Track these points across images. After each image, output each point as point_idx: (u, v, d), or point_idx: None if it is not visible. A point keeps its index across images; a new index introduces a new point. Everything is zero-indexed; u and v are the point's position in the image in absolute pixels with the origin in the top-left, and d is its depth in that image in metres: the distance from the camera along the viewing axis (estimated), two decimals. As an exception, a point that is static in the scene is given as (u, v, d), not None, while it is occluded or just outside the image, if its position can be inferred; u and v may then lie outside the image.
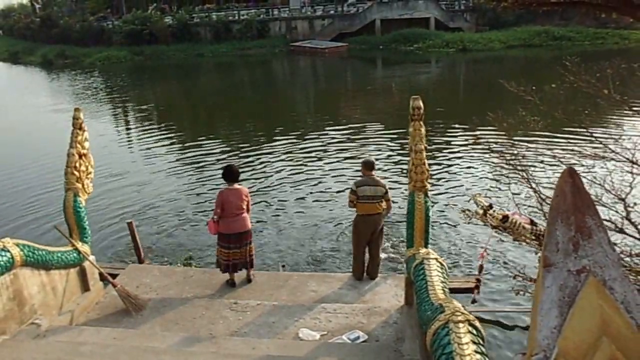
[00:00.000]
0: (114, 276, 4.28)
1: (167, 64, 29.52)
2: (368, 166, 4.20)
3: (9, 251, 3.21)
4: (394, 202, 7.48)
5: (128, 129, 14.85)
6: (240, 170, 4.52)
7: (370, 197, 4.15)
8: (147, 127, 14.44)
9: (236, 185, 4.19)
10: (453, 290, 3.71)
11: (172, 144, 12.29)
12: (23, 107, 18.58)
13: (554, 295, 1.28)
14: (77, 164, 3.97)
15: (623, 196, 3.18)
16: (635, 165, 3.21)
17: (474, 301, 4.15)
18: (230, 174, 4.18)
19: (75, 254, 3.87)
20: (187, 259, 5.73)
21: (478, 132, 9.58)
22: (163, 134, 13.27)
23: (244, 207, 4.16)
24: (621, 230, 3.04)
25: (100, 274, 4.07)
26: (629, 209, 3.14)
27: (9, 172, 10.18)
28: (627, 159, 3.25)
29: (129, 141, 12.99)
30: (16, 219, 7.58)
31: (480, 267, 4.32)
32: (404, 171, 8.47)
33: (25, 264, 3.35)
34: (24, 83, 26.82)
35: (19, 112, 17.47)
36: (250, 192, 4.34)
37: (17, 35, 42.96)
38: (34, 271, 3.47)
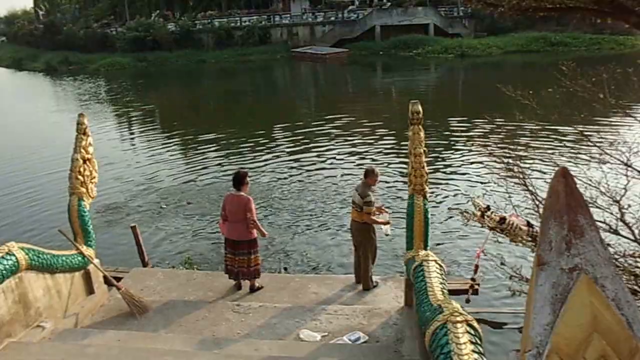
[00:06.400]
0: (118, 279, 4.33)
1: (170, 70, 29.74)
2: (364, 174, 4.30)
3: (14, 255, 3.25)
4: (394, 203, 7.57)
5: (131, 133, 14.95)
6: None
7: (352, 202, 4.31)
8: (149, 132, 14.54)
9: (238, 192, 4.10)
10: (452, 292, 3.74)
11: (174, 148, 12.37)
12: (27, 112, 18.72)
13: (547, 292, 1.32)
14: (82, 169, 4.02)
15: (618, 198, 3.23)
16: (629, 168, 3.26)
17: (467, 301, 4.19)
18: (233, 179, 4.18)
19: (79, 258, 3.92)
20: (187, 260, 5.77)
21: (476, 136, 9.64)
22: (165, 139, 13.35)
23: (240, 216, 4.03)
24: (616, 232, 3.08)
25: (105, 277, 4.11)
26: (624, 210, 3.18)
27: (14, 176, 10.26)
28: (622, 162, 3.31)
29: (132, 145, 13.08)
30: (21, 223, 7.64)
31: (476, 267, 4.37)
32: (401, 174, 8.54)
33: (30, 268, 3.39)
34: (29, 89, 27.02)
35: (23, 117, 17.60)
36: (251, 195, 4.29)
37: (21, 42, 43.23)
38: (39, 275, 3.51)
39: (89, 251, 4.03)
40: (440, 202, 7.64)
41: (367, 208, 4.11)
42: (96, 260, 4.10)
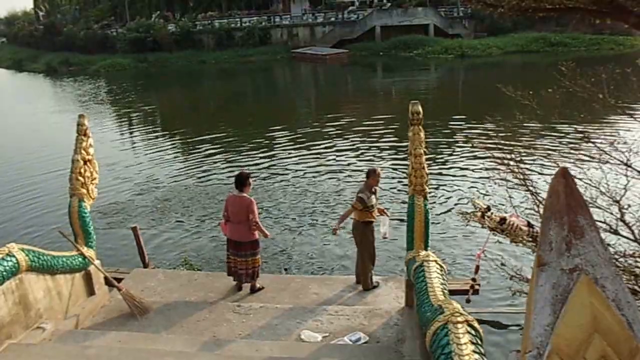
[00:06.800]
0: (119, 280, 4.32)
1: (171, 70, 29.78)
2: (365, 174, 4.33)
3: (14, 256, 3.25)
4: (394, 204, 7.57)
5: (132, 134, 14.97)
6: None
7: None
8: (150, 133, 14.56)
9: (241, 193, 4.10)
10: (452, 292, 3.75)
11: (175, 148, 12.39)
12: (27, 113, 18.74)
13: (547, 293, 1.32)
14: (82, 170, 4.01)
15: (618, 198, 3.24)
16: (629, 168, 3.27)
17: (468, 301, 4.20)
18: (236, 181, 4.19)
19: (80, 259, 3.92)
20: (185, 261, 5.77)
21: (476, 136, 9.66)
22: (166, 140, 13.37)
23: (243, 217, 4.03)
24: (616, 232, 3.09)
25: (106, 278, 4.11)
26: (623, 210, 3.19)
27: (13, 176, 10.27)
28: (622, 161, 3.32)
29: (132, 146, 13.09)
30: (22, 224, 7.65)
31: (477, 268, 4.38)
32: (399, 174, 8.55)
33: (30, 269, 3.39)
34: (29, 90, 27.04)
35: (23, 118, 17.62)
36: (252, 196, 4.29)
37: (21, 43, 43.30)
38: (39, 276, 3.51)
39: (89, 252, 4.03)
40: (441, 203, 7.64)
41: (354, 202, 4.13)
42: (97, 261, 4.10)
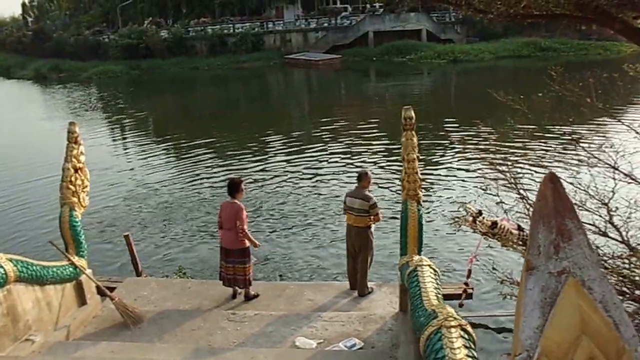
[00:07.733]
0: (111, 289, 4.27)
1: (163, 77, 29.68)
2: (357, 178, 4.34)
3: (2, 267, 3.18)
4: (388, 209, 7.61)
5: (124, 142, 14.86)
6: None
7: (349, 208, 4.30)
8: (142, 140, 14.47)
9: (232, 200, 4.10)
10: (446, 297, 3.76)
11: (167, 156, 12.32)
12: (16, 120, 18.52)
13: (536, 296, 1.34)
14: (73, 178, 3.96)
15: (606, 201, 3.29)
16: (617, 171, 3.33)
17: (461, 305, 4.22)
18: (228, 187, 4.18)
19: (71, 269, 3.86)
20: (180, 269, 5.72)
21: (468, 141, 9.75)
22: (159, 147, 13.29)
23: (233, 224, 4.01)
24: (604, 234, 3.14)
25: (98, 288, 4.05)
26: (612, 213, 3.25)
27: (3, 185, 10.12)
28: (610, 164, 3.38)
29: (124, 154, 12.99)
30: (10, 233, 7.52)
31: (469, 272, 4.41)
32: (392, 180, 8.59)
33: (19, 280, 3.32)
34: (18, 97, 26.73)
35: (12, 126, 17.40)
36: (245, 203, 4.28)
37: (9, 50, 42.51)
38: (28, 287, 3.44)
39: (81, 261, 3.97)
40: (433, 207, 7.68)
41: (374, 210, 4.14)
42: (88, 271, 4.04)
